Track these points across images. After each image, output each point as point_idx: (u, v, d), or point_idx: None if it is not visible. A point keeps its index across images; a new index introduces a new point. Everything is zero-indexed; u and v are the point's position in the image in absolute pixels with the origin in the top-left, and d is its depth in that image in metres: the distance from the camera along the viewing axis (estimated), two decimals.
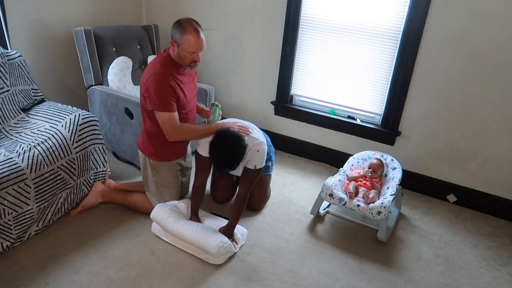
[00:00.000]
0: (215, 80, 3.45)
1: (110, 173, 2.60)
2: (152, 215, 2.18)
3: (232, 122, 2.14)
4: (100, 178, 2.48)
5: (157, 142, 2.21)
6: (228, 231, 2.12)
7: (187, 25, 2.00)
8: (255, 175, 2.13)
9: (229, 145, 1.95)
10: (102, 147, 2.42)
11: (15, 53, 2.42)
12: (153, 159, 2.25)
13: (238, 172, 2.25)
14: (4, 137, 2.22)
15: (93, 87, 2.86)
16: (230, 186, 2.59)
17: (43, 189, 2.05)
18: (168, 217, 2.11)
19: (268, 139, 2.41)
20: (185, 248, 2.10)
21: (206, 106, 2.63)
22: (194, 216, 2.24)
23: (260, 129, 2.35)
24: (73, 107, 2.38)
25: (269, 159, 2.64)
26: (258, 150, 2.08)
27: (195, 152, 2.19)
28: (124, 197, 2.40)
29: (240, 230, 2.24)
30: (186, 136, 2.16)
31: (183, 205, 2.29)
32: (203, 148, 2.10)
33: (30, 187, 1.97)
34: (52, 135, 2.16)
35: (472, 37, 2.45)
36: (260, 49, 3.20)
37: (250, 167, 2.10)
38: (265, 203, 2.60)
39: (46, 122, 2.28)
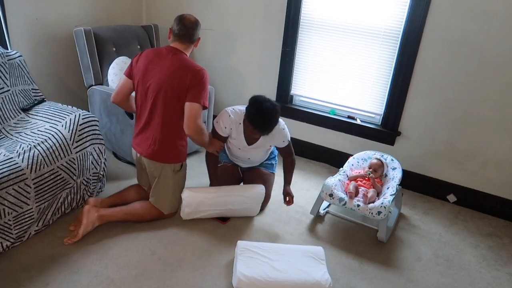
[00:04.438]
0: (215, 80, 3.45)
1: (104, 190, 2.54)
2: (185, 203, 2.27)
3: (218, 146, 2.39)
4: (96, 192, 2.47)
5: (183, 142, 2.25)
6: (287, 190, 2.48)
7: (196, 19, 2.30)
8: (291, 146, 2.47)
9: (270, 107, 2.17)
10: (102, 147, 2.42)
11: (15, 53, 2.42)
12: (178, 161, 2.26)
13: (257, 155, 2.50)
14: (4, 137, 2.22)
15: (93, 87, 2.86)
16: (234, 181, 2.57)
17: (43, 189, 2.05)
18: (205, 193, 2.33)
19: None
20: (228, 213, 2.35)
21: None
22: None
23: None
24: (73, 107, 2.38)
25: (273, 158, 2.64)
26: (283, 129, 2.38)
27: (212, 129, 2.39)
28: (123, 213, 2.26)
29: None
30: (200, 136, 2.16)
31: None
32: (222, 130, 2.33)
33: (30, 187, 1.97)
34: (52, 135, 2.16)
35: (472, 37, 2.45)
36: (260, 49, 3.20)
37: (284, 145, 2.43)
38: (267, 203, 2.57)
39: (46, 122, 2.28)
